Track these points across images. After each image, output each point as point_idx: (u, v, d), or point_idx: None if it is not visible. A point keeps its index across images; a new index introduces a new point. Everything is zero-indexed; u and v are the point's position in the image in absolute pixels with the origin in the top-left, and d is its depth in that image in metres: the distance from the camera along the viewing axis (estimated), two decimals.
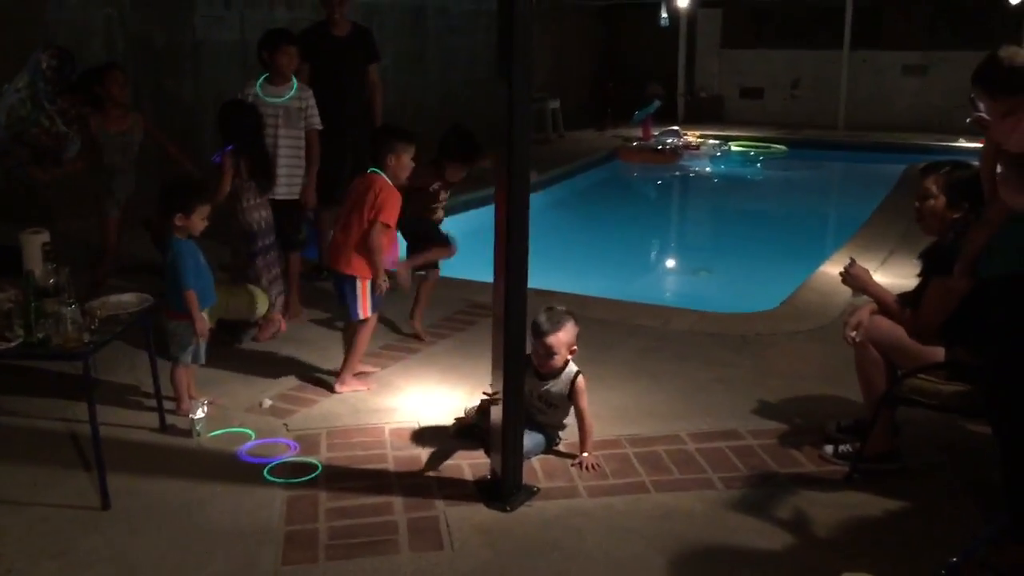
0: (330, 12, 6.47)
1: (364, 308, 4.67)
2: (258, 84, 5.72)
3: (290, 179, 5.74)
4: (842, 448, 4.00)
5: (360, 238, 4.58)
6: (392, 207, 4.61)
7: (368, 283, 4.63)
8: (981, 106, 3.84)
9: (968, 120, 4.46)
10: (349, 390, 4.71)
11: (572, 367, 4.05)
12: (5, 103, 5.54)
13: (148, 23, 9.13)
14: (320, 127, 5.87)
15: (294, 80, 5.79)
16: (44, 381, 4.65)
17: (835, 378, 4.73)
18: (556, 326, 3.97)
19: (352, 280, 4.64)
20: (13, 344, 3.52)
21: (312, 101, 5.83)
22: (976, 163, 3.72)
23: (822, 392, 4.73)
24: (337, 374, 4.78)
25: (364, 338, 4.76)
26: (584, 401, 4.02)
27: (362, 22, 7.70)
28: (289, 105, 5.72)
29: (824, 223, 11.60)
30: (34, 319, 3.51)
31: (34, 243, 4.16)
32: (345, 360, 4.77)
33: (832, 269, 6.85)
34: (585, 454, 3.97)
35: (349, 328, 4.85)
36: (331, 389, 4.72)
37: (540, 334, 3.95)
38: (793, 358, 5.25)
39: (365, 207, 4.58)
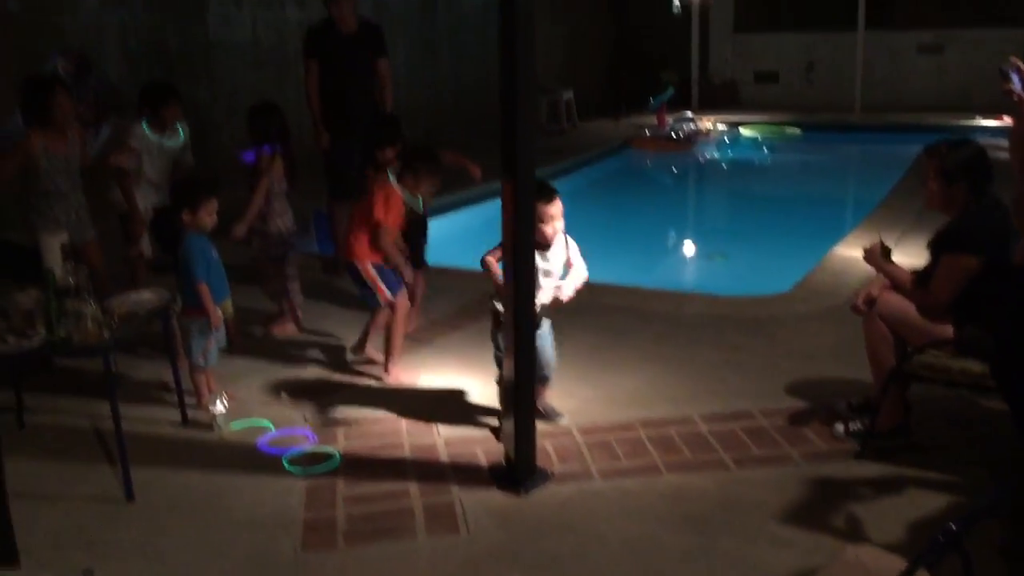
0: (333, 10, 6.44)
1: (381, 293, 4.72)
2: (144, 127, 5.43)
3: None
4: (852, 426, 4.03)
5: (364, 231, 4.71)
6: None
7: (368, 265, 4.69)
8: (1015, 80, 3.83)
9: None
10: (395, 382, 4.74)
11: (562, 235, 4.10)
12: None
13: (161, 26, 9.24)
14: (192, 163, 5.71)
15: (179, 127, 5.58)
16: (68, 380, 4.74)
17: (847, 358, 4.75)
18: (553, 196, 3.98)
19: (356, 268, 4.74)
20: (36, 342, 3.60)
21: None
22: (980, 141, 3.73)
23: (834, 372, 4.75)
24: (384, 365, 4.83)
25: (397, 326, 4.76)
26: (578, 256, 4.12)
27: (372, 18, 7.75)
28: (176, 150, 5.57)
29: (839, 205, 11.54)
30: (55, 317, 3.59)
31: (54, 243, 4.26)
32: (386, 352, 4.79)
33: (845, 251, 6.85)
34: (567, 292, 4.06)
35: (374, 317, 4.92)
36: (357, 375, 4.82)
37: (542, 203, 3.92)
38: (805, 339, 5.27)
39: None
